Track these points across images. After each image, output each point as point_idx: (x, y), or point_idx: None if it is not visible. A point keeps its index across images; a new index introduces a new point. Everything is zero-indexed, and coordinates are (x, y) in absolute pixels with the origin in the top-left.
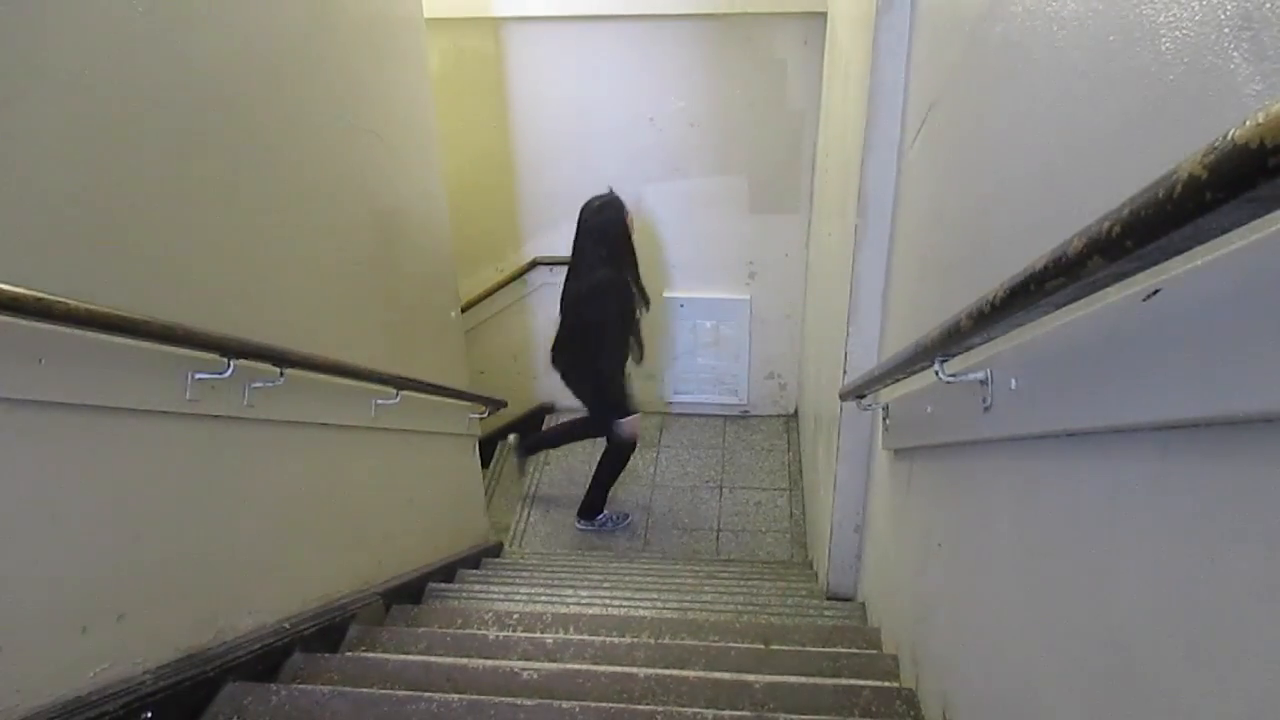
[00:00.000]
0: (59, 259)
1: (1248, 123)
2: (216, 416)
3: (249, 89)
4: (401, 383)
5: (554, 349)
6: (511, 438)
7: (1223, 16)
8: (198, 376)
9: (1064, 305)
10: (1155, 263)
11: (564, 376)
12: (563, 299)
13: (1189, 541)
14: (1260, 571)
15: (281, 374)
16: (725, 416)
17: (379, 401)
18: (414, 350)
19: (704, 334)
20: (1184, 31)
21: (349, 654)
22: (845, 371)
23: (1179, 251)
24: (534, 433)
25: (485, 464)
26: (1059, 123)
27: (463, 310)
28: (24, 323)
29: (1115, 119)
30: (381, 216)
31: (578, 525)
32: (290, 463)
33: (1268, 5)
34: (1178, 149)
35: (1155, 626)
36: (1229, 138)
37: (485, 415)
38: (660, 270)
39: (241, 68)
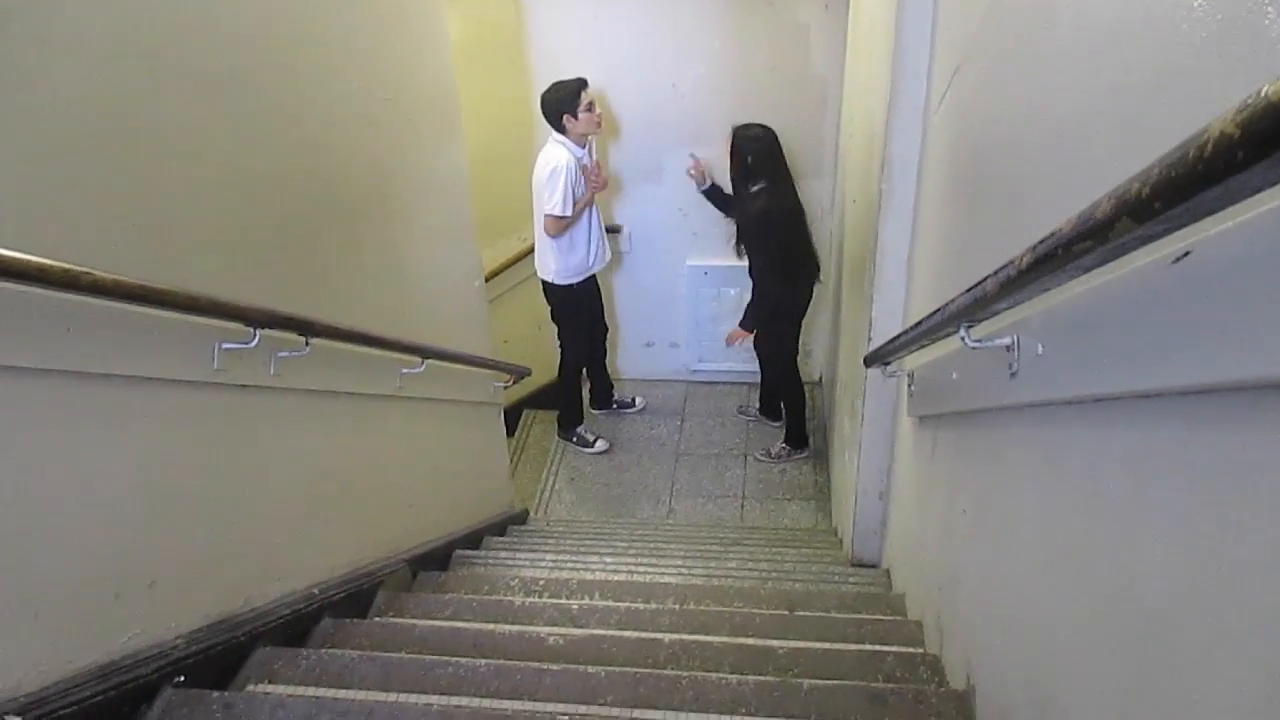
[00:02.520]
0: (85, 229)
1: None
2: (244, 386)
3: (268, 59)
4: (426, 352)
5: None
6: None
7: None
8: (224, 346)
9: (1092, 269)
10: (1185, 224)
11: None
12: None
13: (1216, 507)
14: None
15: (307, 343)
16: (750, 384)
17: (404, 371)
18: (438, 319)
19: (728, 302)
20: None
21: (377, 620)
22: (870, 338)
23: (1209, 213)
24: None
25: (510, 432)
26: (1087, 82)
27: (486, 280)
28: (51, 293)
29: (1145, 77)
30: (403, 187)
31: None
32: (317, 432)
33: None
34: (1209, 108)
35: (1182, 593)
36: (1262, 95)
37: (510, 384)
38: (683, 238)
39: (261, 38)
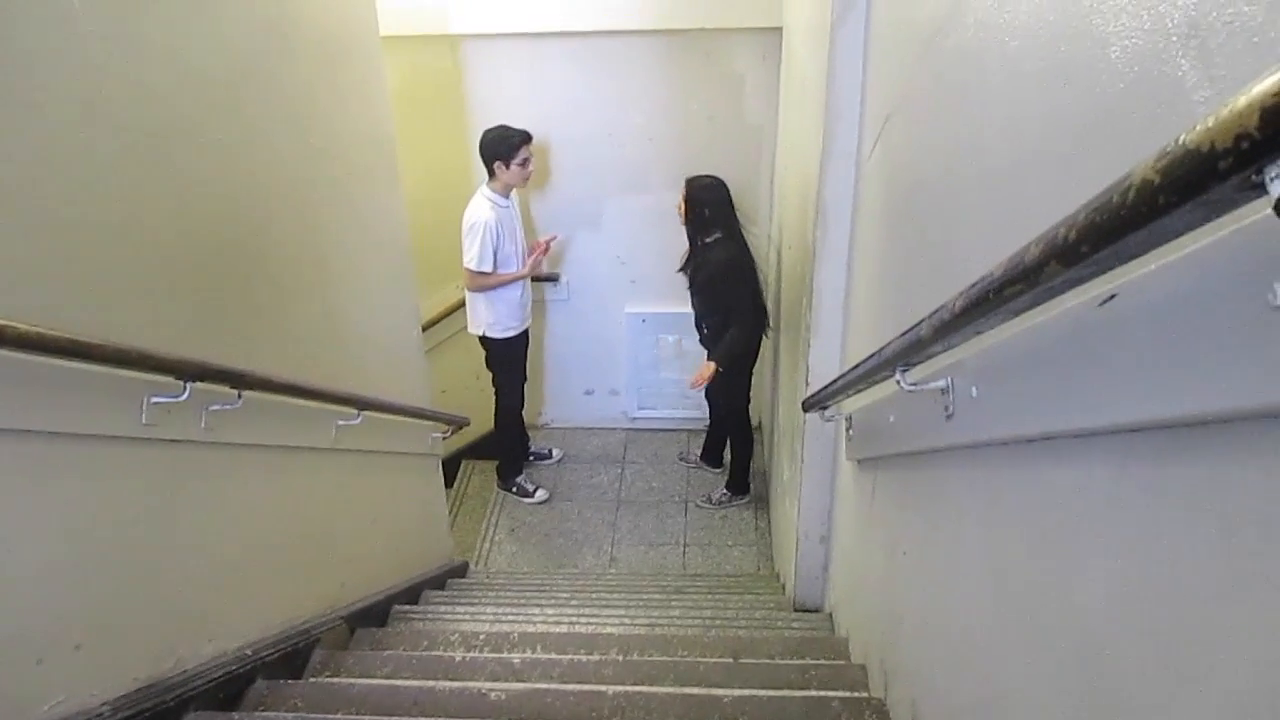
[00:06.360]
0: (8, 280)
1: (1198, 127)
2: (174, 441)
3: (202, 110)
4: (362, 403)
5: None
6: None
7: (1170, 25)
8: (154, 400)
9: (1022, 312)
10: (1111, 268)
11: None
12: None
13: (1153, 542)
14: (1222, 570)
15: (239, 396)
16: (690, 431)
17: (340, 422)
18: (375, 369)
19: (667, 348)
20: (1133, 40)
21: (313, 680)
22: (807, 383)
23: (1134, 256)
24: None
25: (449, 483)
26: (1013, 131)
27: (424, 328)
28: None
29: (1069, 126)
30: (339, 236)
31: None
32: (251, 486)
33: (1213, 13)
34: (1131, 155)
35: (1123, 629)
36: (1180, 142)
37: (448, 435)
38: (621, 285)
39: (194, 90)
